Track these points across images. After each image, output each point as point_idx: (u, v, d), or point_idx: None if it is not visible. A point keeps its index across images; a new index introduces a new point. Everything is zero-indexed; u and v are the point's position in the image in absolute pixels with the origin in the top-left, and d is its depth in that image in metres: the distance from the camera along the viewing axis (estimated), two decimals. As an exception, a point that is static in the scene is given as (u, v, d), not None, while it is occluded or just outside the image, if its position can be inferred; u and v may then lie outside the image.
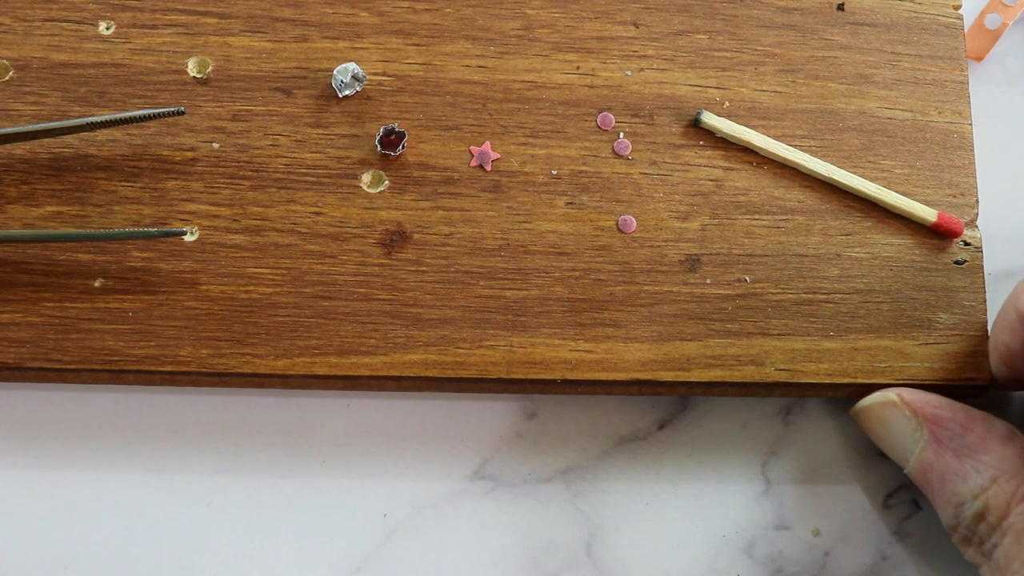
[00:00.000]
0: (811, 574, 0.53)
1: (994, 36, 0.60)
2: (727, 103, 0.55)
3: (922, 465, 0.49)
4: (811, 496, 0.54)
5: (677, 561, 0.53)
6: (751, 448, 0.54)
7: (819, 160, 0.54)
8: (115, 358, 0.50)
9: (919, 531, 0.53)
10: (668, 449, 0.54)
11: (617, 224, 0.53)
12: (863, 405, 0.52)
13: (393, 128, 0.53)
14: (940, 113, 0.56)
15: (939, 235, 0.54)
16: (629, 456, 0.54)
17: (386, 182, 0.53)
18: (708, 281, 0.53)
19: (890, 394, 0.51)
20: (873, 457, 0.54)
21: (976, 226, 0.55)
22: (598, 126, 0.54)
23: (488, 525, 0.53)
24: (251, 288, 0.51)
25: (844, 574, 0.53)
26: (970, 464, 0.48)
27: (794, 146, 0.54)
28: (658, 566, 0.52)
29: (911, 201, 0.54)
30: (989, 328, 0.53)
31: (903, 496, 0.54)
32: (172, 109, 0.51)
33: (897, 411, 0.50)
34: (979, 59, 0.60)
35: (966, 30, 0.59)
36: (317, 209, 0.52)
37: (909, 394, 0.50)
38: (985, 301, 0.54)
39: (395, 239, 0.52)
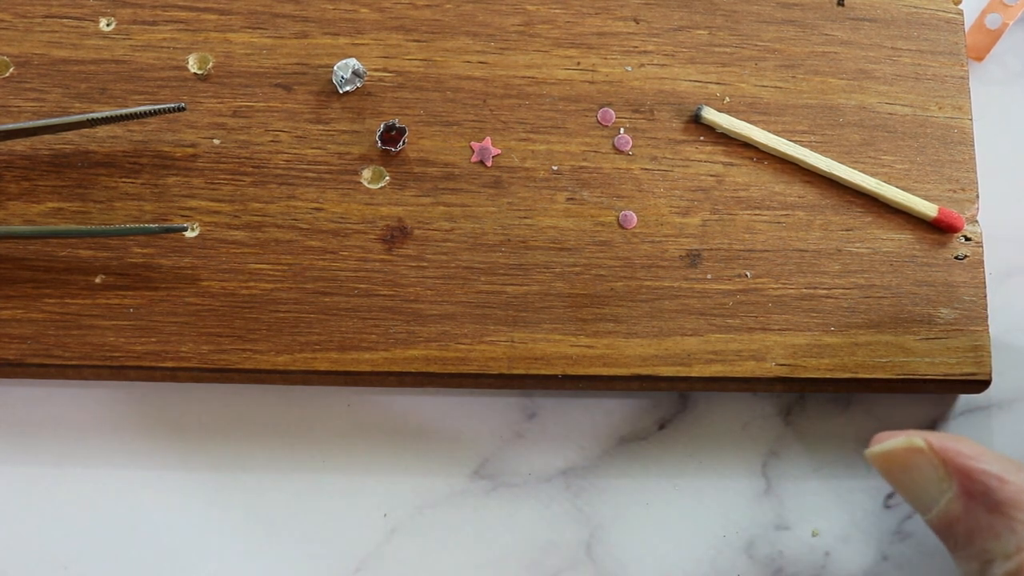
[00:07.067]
0: (811, 574, 0.53)
1: (994, 36, 0.60)
2: (727, 99, 0.55)
3: (947, 517, 0.44)
4: (811, 496, 0.54)
5: (677, 561, 0.53)
6: (751, 448, 0.54)
7: (819, 155, 0.54)
8: (116, 354, 0.50)
9: (919, 531, 0.53)
10: (668, 449, 0.54)
11: (618, 220, 0.53)
12: (883, 449, 0.46)
13: (394, 124, 0.53)
14: (940, 108, 0.56)
15: (940, 230, 0.54)
16: (629, 456, 0.54)
17: (387, 178, 0.53)
18: (709, 276, 0.53)
19: (916, 439, 0.45)
20: (874, 457, 0.54)
21: (976, 221, 0.55)
22: (599, 122, 0.54)
23: (488, 525, 0.53)
24: (252, 284, 0.51)
25: (844, 574, 0.53)
26: (1003, 522, 0.43)
27: (794, 141, 0.55)
28: (658, 566, 0.52)
29: (911, 196, 0.54)
30: (990, 323, 0.53)
31: (903, 496, 0.54)
32: (173, 105, 0.51)
33: (923, 458, 0.44)
34: (979, 59, 0.60)
35: (967, 30, 0.59)
36: (318, 205, 0.52)
37: (937, 440, 0.44)
38: (985, 296, 0.54)
39: (396, 235, 0.52)
